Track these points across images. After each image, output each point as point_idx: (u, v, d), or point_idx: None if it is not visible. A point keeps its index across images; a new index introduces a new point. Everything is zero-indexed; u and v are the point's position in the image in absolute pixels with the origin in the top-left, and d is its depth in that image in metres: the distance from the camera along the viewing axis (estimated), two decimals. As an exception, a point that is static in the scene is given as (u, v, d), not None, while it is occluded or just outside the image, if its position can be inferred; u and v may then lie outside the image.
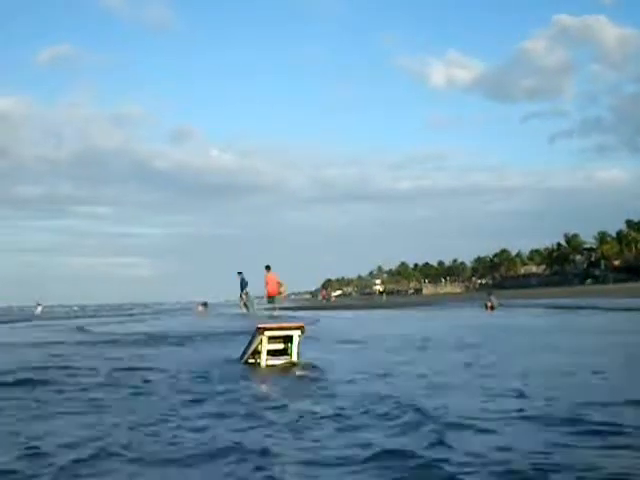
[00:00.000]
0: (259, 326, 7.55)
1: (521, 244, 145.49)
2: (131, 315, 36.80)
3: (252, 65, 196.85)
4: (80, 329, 19.20)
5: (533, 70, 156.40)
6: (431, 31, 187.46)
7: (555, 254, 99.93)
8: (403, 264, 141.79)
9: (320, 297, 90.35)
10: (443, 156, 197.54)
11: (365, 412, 4.81)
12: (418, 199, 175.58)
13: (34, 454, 3.80)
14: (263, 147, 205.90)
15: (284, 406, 5.18)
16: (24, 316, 37.68)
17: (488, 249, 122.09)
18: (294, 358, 7.55)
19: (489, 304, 29.21)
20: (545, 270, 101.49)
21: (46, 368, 7.93)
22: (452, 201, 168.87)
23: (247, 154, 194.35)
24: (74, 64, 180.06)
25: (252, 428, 4.44)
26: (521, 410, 4.68)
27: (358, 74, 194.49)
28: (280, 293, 23.39)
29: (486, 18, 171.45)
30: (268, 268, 23.09)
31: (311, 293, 63.86)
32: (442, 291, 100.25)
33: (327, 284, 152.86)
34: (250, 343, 7.79)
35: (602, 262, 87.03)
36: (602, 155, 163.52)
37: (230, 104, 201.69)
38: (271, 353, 7.63)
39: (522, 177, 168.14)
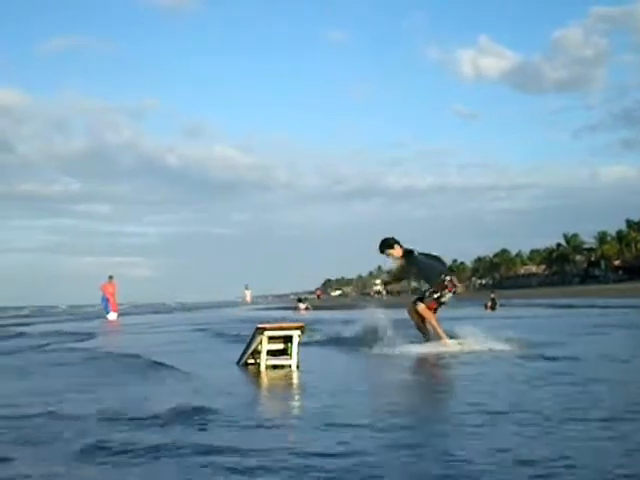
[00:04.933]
0: (259, 326, 7.46)
1: (521, 244, 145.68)
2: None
3: (267, 62, 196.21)
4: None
5: (564, 62, 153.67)
6: (461, 16, 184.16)
7: (555, 254, 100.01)
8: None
9: (314, 296, 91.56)
10: (447, 153, 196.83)
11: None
12: (418, 197, 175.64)
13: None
14: (270, 144, 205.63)
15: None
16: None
17: (488, 249, 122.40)
18: (293, 358, 7.47)
19: (489, 304, 29.21)
20: (545, 270, 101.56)
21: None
22: (453, 200, 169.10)
23: (253, 151, 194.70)
24: (80, 56, 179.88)
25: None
26: None
27: (378, 64, 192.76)
28: None
29: (521, 7, 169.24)
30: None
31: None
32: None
33: (327, 284, 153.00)
34: (249, 344, 7.70)
35: (602, 262, 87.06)
36: (628, 150, 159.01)
37: (242, 102, 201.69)
38: (271, 353, 7.55)
39: (526, 176, 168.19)
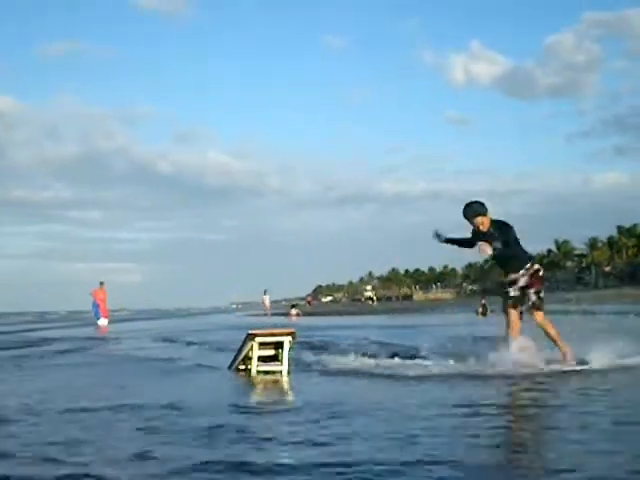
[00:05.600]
0: (250, 332, 7.40)
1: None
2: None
3: (263, 67, 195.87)
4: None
5: (557, 67, 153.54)
6: (453, 20, 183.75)
7: (545, 260, 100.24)
8: (394, 270, 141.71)
9: (305, 302, 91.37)
10: (443, 159, 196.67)
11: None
12: (412, 203, 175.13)
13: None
14: (264, 150, 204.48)
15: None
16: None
17: (479, 255, 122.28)
18: (284, 364, 7.38)
19: (480, 310, 29.06)
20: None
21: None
22: (448, 206, 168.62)
23: (247, 157, 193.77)
24: (75, 61, 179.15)
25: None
26: None
27: (375, 70, 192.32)
28: None
29: (513, 13, 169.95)
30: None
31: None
32: (432, 297, 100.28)
33: (318, 290, 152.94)
34: (240, 349, 7.62)
35: (593, 268, 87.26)
36: (621, 156, 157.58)
37: (236, 107, 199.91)
38: (262, 359, 7.47)
39: (519, 182, 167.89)
